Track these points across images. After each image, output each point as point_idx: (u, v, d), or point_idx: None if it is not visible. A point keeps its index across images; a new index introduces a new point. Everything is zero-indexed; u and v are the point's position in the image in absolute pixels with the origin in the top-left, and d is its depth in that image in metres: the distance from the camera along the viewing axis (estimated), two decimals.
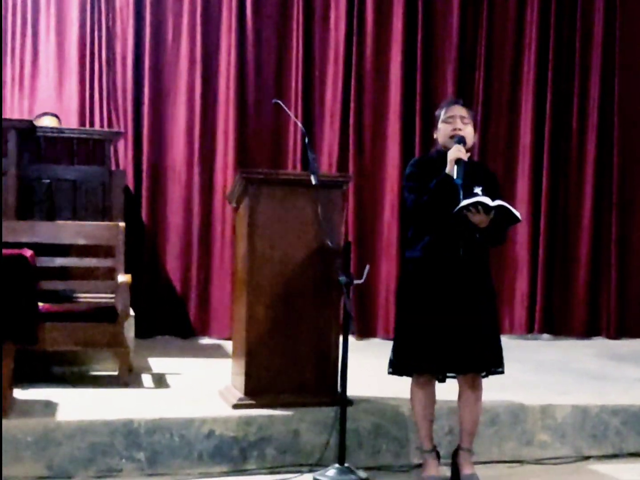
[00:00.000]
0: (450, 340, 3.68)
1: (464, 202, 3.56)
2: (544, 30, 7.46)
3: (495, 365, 3.79)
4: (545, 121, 7.44)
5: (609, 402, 4.55)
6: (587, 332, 7.48)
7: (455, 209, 3.57)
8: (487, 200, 3.57)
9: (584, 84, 7.56)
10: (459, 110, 3.81)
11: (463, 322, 3.69)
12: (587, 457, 4.41)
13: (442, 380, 3.88)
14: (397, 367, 3.83)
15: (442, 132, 3.83)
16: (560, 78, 7.51)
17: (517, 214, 3.62)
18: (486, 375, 3.83)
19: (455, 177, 3.64)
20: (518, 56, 7.52)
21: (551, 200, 7.43)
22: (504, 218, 3.64)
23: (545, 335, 7.42)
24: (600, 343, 7.27)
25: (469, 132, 3.80)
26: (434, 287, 3.72)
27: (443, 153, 3.78)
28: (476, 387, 3.83)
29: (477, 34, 7.44)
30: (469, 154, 3.78)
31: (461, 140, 3.73)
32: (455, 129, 3.77)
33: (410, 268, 3.84)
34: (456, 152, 3.68)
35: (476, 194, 3.63)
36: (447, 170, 3.68)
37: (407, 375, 3.85)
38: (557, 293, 7.48)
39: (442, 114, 3.84)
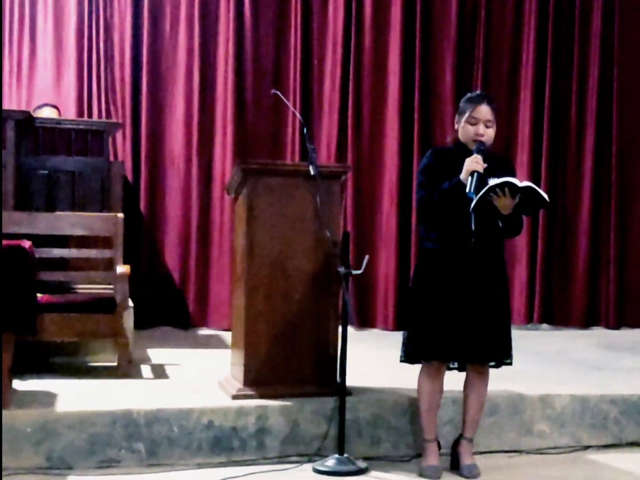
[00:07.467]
0: (464, 329, 3.70)
1: (492, 182, 3.50)
2: (542, 20, 7.45)
3: (504, 356, 3.82)
4: (544, 114, 7.42)
5: (608, 391, 4.55)
6: (587, 322, 7.50)
7: (483, 190, 3.51)
8: (515, 181, 3.52)
9: (583, 78, 7.55)
10: (485, 114, 3.73)
11: (476, 312, 3.71)
12: (587, 447, 4.41)
13: (462, 369, 3.89)
14: (410, 354, 3.81)
15: (463, 131, 3.77)
16: (559, 71, 7.50)
17: (545, 195, 3.58)
18: (496, 366, 3.86)
19: (468, 189, 3.58)
20: (517, 48, 7.50)
21: (550, 191, 7.39)
22: (530, 202, 3.59)
23: (545, 325, 7.43)
24: (599, 333, 7.27)
25: (490, 134, 3.76)
26: (449, 278, 3.73)
27: (462, 145, 3.77)
28: (484, 374, 3.87)
29: (476, 24, 7.43)
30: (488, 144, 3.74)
31: (480, 149, 3.68)
32: (478, 133, 3.72)
33: (426, 258, 3.84)
34: (474, 163, 3.62)
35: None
36: (462, 177, 3.64)
37: (420, 362, 3.84)
38: (556, 283, 7.49)
39: (467, 111, 3.75)
